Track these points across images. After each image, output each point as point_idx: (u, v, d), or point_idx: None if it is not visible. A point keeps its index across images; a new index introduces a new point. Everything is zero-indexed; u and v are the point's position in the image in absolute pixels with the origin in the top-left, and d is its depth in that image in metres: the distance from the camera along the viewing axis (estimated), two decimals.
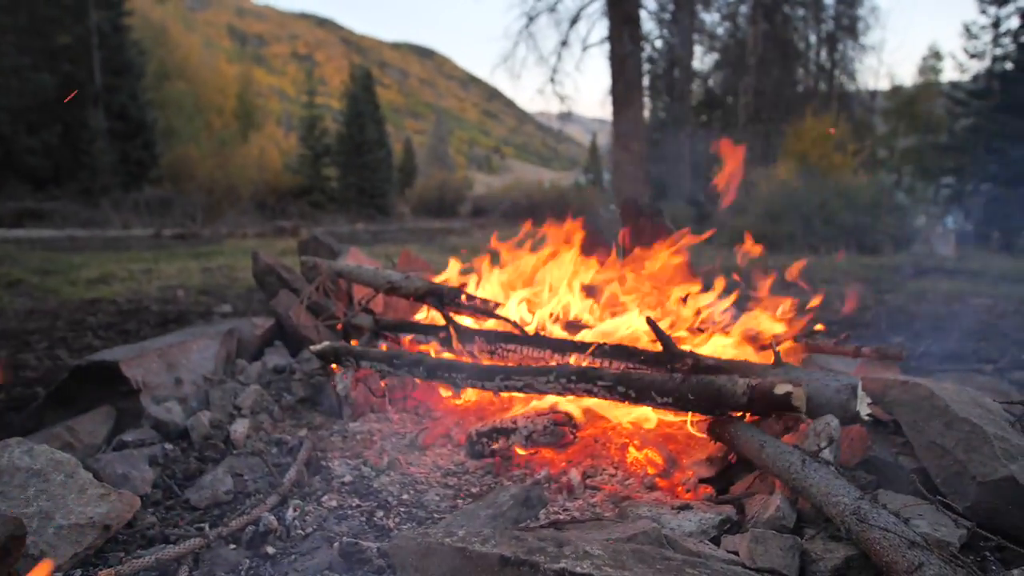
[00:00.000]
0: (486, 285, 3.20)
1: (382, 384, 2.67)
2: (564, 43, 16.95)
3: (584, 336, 2.69)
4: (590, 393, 2.25)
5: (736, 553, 1.52)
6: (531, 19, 16.62)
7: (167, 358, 2.54)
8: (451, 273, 3.35)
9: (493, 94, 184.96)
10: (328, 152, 35.93)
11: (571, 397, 2.36)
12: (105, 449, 2.17)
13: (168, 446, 2.20)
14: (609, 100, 14.23)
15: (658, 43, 31.38)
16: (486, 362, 2.63)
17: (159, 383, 2.45)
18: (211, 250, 12.64)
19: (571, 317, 2.94)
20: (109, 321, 5.34)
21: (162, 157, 27.49)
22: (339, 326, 3.08)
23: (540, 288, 3.02)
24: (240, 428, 2.32)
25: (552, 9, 16.72)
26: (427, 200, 42.12)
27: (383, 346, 2.99)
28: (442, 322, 2.90)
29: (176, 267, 9.31)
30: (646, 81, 31.95)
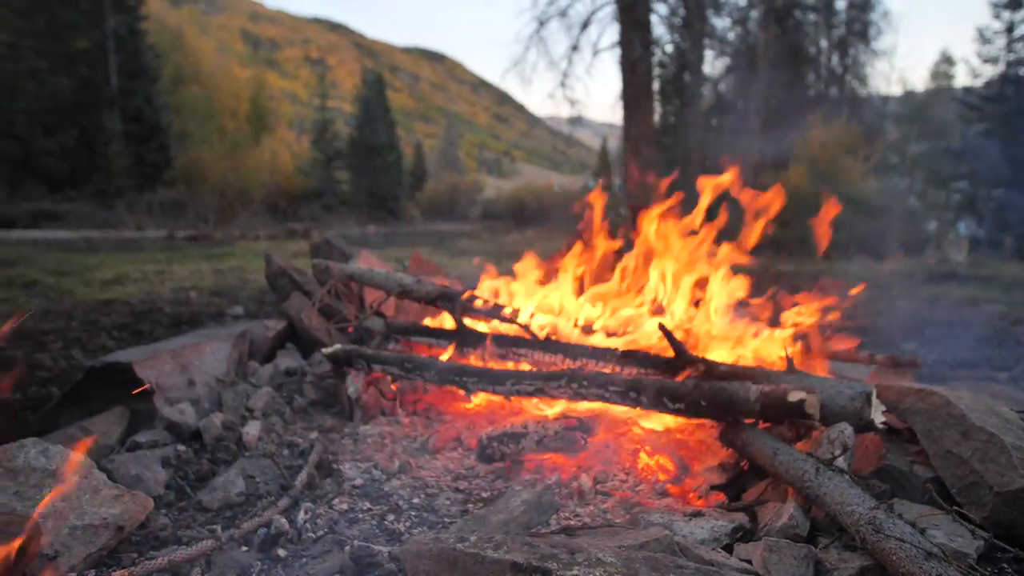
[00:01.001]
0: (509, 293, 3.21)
1: (393, 387, 2.68)
2: (575, 48, 16.91)
3: (596, 341, 2.69)
4: (602, 398, 2.25)
5: (749, 562, 1.51)
6: (542, 24, 16.60)
7: (180, 360, 2.55)
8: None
9: (503, 98, 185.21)
10: (339, 155, 36.15)
11: (583, 402, 2.36)
12: (119, 450, 2.19)
13: (181, 447, 2.22)
14: (619, 104, 14.17)
15: (668, 47, 31.29)
16: (497, 366, 2.63)
17: (172, 384, 2.47)
18: (223, 252, 12.74)
19: (583, 322, 2.94)
20: (123, 322, 5.39)
21: (176, 160, 27.74)
22: (350, 329, 3.09)
23: (553, 294, 3.03)
24: (252, 430, 2.33)
25: (563, 14, 16.69)
26: (437, 203, 42.31)
27: (395, 349, 3.00)
28: (453, 326, 2.90)
29: (189, 269, 9.39)
30: (656, 85, 31.86)
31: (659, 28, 27.54)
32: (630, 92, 13.92)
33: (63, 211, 19.82)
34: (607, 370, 2.46)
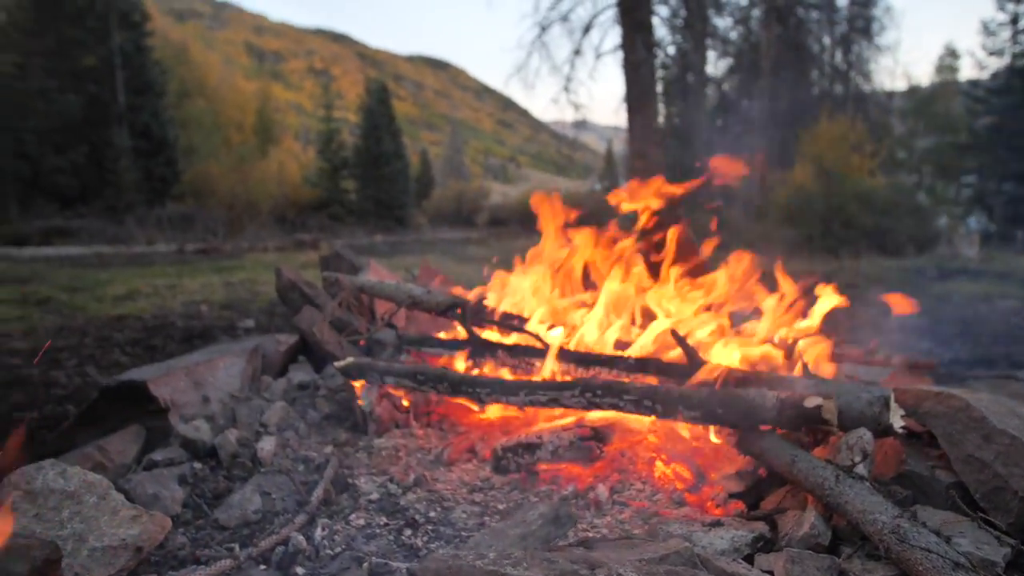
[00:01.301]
0: (512, 299, 3.20)
1: (406, 399, 2.67)
2: (577, 52, 16.92)
3: (609, 349, 2.67)
4: (616, 408, 2.24)
5: (771, 573, 1.49)
6: (544, 29, 16.62)
7: (194, 376, 2.56)
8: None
9: (507, 104, 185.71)
10: (346, 165, 36.26)
11: (597, 411, 2.35)
12: (135, 468, 2.19)
13: (197, 465, 2.22)
14: (623, 107, 14.15)
15: (671, 49, 31.28)
16: (510, 376, 2.62)
17: (187, 401, 2.48)
18: (233, 264, 12.80)
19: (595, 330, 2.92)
20: (136, 337, 5.42)
21: (184, 174, 27.94)
22: (362, 342, 3.09)
23: (565, 301, 3.02)
24: (267, 446, 2.33)
25: (564, 18, 16.70)
26: (444, 210, 42.45)
27: (407, 361, 3.00)
28: (465, 336, 2.90)
29: (199, 282, 9.43)
30: (660, 87, 31.83)
31: (661, 30, 27.53)
32: (633, 95, 13.89)
33: (74, 227, 20.00)
34: (621, 379, 2.44)
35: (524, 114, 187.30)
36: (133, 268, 12.31)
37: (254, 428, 2.51)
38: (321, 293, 3.35)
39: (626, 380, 2.35)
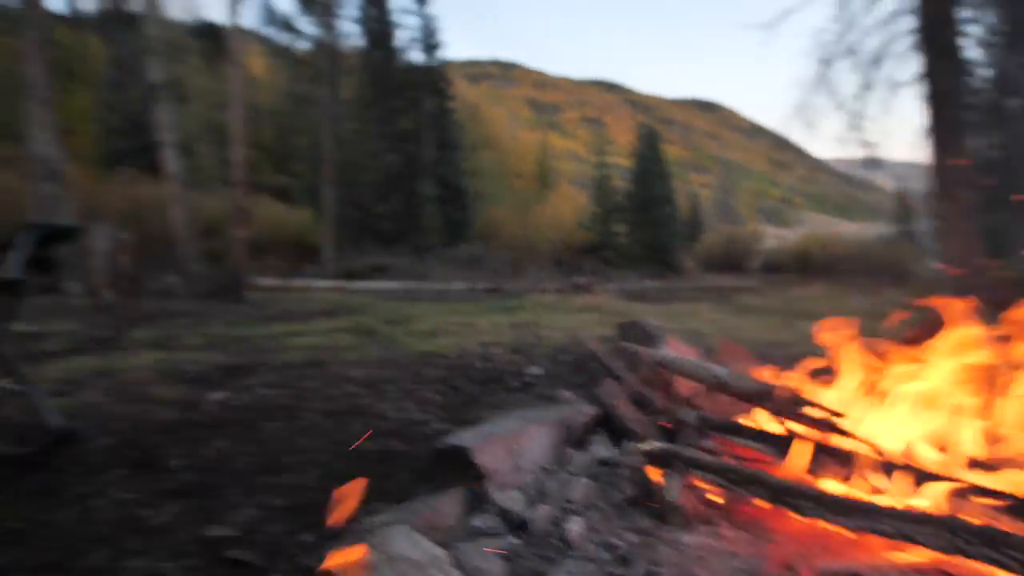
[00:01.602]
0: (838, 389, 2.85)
1: (715, 496, 2.50)
2: (867, 86, 15.17)
3: (971, 476, 2.19)
4: (993, 562, 1.80)
5: None
6: (826, 64, 15.25)
7: (508, 444, 2.72)
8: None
9: (781, 143, 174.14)
10: (618, 209, 37.27)
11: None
12: (458, 534, 2.37)
13: (512, 539, 2.32)
14: (923, 142, 12.22)
15: (984, 72, 26.21)
16: (845, 494, 2.29)
17: (501, 470, 2.63)
18: (515, 305, 13.81)
19: (954, 446, 2.44)
20: (441, 376, 6.05)
21: (474, 219, 31.51)
22: (667, 423, 3.01)
23: (908, 402, 2.57)
24: (575, 527, 2.35)
25: (851, 51, 15.13)
26: (713, 255, 41.00)
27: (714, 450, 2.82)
28: (779, 431, 2.64)
29: (489, 321, 10.31)
30: (971, 117, 26.81)
31: (972, 51, 23.31)
32: (939, 128, 11.95)
33: (389, 265, 23.76)
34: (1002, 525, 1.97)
35: (800, 153, 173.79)
36: (434, 304, 14.05)
37: (560, 504, 2.56)
38: (620, 366, 3.37)
39: (1006, 526, 1.89)
